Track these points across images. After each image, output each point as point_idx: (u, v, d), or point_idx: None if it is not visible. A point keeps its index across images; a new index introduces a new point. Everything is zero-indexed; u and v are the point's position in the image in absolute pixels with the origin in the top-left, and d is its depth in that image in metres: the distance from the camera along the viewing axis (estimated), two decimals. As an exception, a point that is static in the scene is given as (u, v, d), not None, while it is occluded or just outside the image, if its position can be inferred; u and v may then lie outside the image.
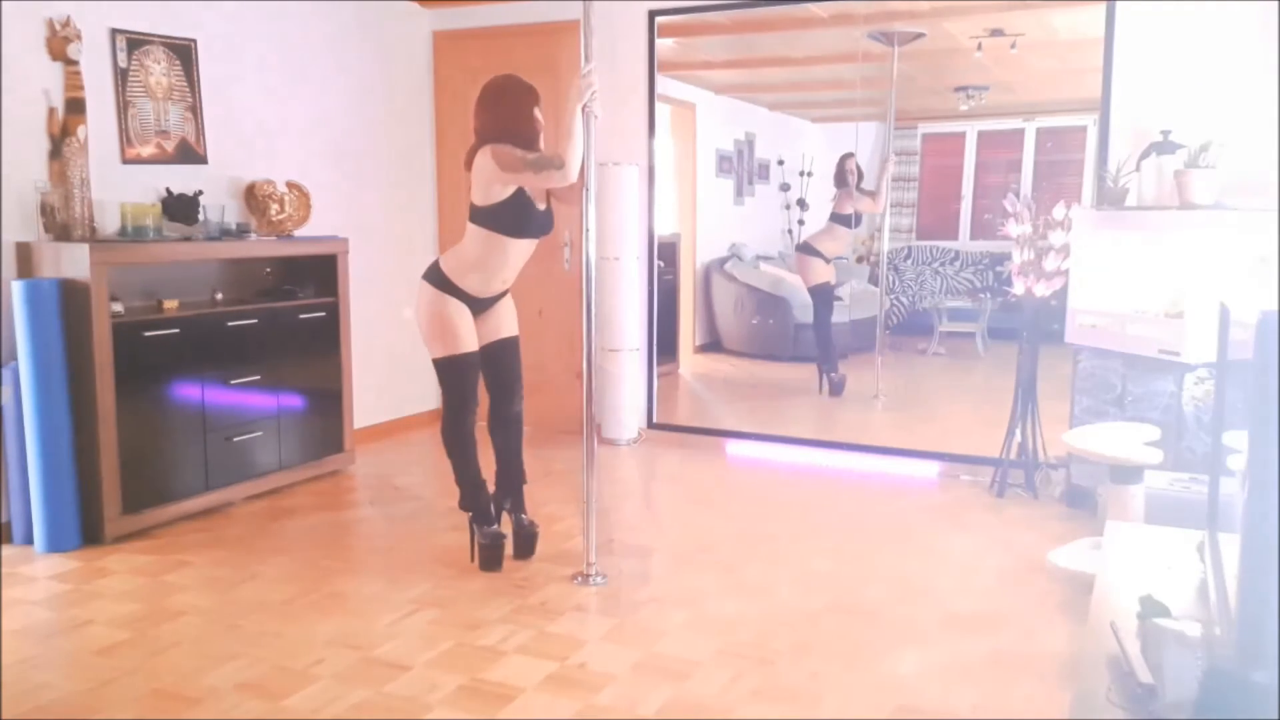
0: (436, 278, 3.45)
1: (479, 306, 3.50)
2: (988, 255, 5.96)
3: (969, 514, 4.19)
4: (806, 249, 6.04)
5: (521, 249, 3.44)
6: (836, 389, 5.86)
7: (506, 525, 3.64)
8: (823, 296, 5.95)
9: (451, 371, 3.48)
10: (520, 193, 3.34)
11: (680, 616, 3.12)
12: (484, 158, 3.29)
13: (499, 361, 3.59)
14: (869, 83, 5.73)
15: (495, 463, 3.65)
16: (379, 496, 4.48)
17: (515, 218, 3.36)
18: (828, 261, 5.94)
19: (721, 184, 6.43)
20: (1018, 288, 4.32)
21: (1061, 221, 4.16)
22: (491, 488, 3.63)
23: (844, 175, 5.87)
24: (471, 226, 3.40)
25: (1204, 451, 3.61)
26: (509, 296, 3.62)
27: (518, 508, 3.66)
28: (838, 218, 5.90)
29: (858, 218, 5.88)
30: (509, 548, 3.61)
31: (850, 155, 5.82)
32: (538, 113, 3.41)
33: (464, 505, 3.57)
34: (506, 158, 3.25)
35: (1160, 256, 3.85)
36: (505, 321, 3.60)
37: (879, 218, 5.97)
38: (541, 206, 3.44)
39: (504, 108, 3.36)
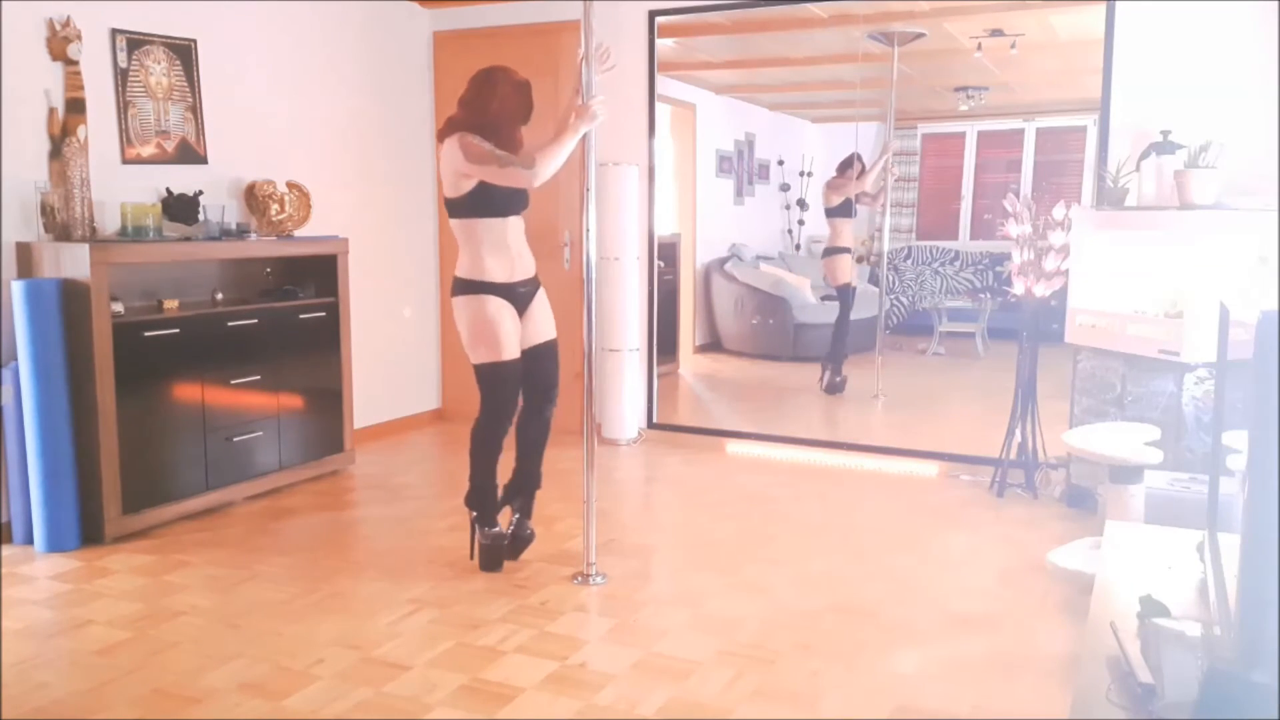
0: (462, 286, 3.41)
1: (519, 300, 3.46)
2: (988, 255, 5.96)
3: (969, 514, 4.19)
4: (832, 250, 5.95)
5: (514, 225, 3.43)
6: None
7: (505, 520, 3.61)
8: (847, 296, 5.91)
9: (492, 378, 3.44)
10: (482, 180, 3.34)
11: (680, 616, 3.12)
12: (451, 147, 3.28)
13: (538, 366, 3.55)
14: (869, 83, 5.73)
15: (515, 460, 3.62)
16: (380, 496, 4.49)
17: (497, 198, 3.35)
18: (851, 253, 5.88)
19: (721, 184, 6.43)
20: (1017, 288, 4.32)
21: (1061, 221, 4.16)
22: (502, 485, 3.60)
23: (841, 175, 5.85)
24: (456, 223, 3.40)
25: (1204, 451, 3.61)
26: (544, 295, 3.57)
27: (525, 511, 3.63)
28: (830, 211, 5.87)
29: (850, 206, 5.82)
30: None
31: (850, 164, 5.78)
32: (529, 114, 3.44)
33: (470, 503, 3.55)
34: (474, 150, 3.26)
35: (1160, 256, 3.85)
36: (543, 324, 3.55)
37: (878, 217, 5.97)
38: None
39: (501, 102, 3.35)
